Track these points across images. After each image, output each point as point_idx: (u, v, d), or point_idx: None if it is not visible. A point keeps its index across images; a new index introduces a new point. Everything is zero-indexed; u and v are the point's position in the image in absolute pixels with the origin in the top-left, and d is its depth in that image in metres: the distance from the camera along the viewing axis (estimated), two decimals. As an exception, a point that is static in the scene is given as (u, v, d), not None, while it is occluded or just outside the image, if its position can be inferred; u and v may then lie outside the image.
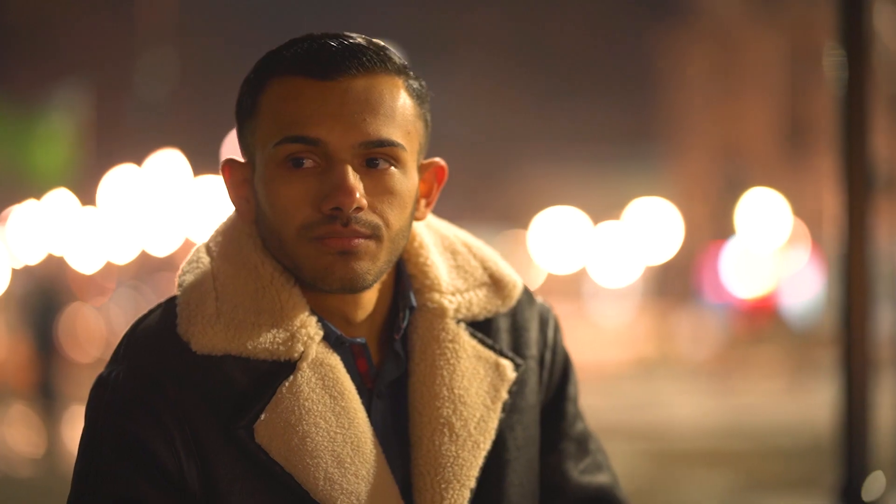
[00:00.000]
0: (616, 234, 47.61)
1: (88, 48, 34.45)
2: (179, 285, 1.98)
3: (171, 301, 1.99)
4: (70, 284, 23.40)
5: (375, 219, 1.92)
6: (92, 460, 1.91)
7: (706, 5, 55.02)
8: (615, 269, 47.92)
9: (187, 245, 33.25)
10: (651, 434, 14.70)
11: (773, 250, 39.17)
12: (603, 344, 31.99)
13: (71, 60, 34.00)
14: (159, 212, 27.19)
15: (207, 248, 2.04)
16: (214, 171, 34.97)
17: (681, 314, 40.67)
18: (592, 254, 48.27)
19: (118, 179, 27.95)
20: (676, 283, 48.27)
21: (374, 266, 1.94)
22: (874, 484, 3.99)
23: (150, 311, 2.01)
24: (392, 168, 1.94)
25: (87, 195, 28.61)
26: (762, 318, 38.00)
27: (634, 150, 56.14)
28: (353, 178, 1.90)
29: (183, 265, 2.02)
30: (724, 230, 43.31)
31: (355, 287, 1.94)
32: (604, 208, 48.09)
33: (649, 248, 46.39)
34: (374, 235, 1.92)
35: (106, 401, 1.92)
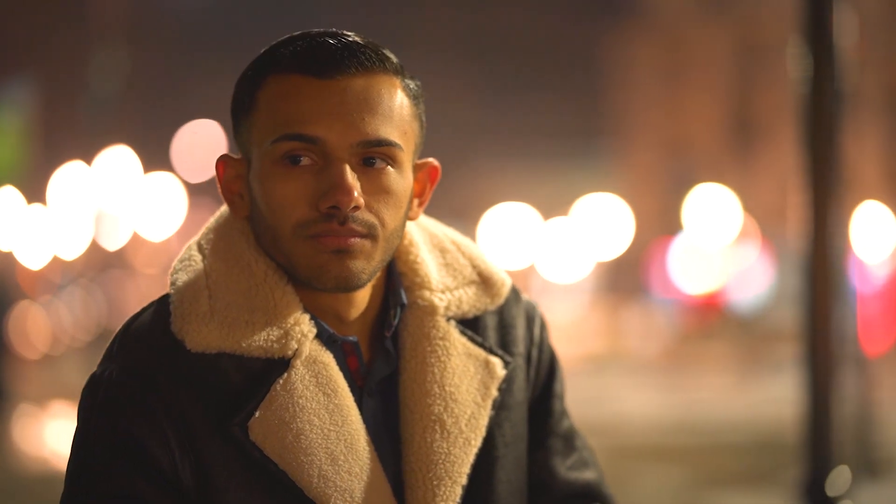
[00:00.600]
0: (566, 229, 47.74)
1: (37, 45, 34.22)
2: (172, 283, 1.98)
3: (164, 299, 1.98)
4: (19, 281, 23.24)
5: (371, 218, 1.93)
6: (86, 459, 1.91)
7: (654, 3, 55.28)
8: (565, 264, 48.05)
9: (136, 240, 33.10)
10: (602, 429, 14.73)
11: (723, 246, 39.39)
12: (553, 340, 32.00)
13: (19, 58, 33.76)
14: (108, 207, 27.05)
15: (199, 245, 2.03)
16: (165, 168, 34.83)
17: (631, 310, 40.83)
18: (542, 249, 48.37)
19: (67, 176, 27.79)
20: (627, 279, 48.48)
21: (369, 265, 1.94)
22: (839, 479, 4.02)
23: (143, 310, 2.01)
24: (389, 167, 1.95)
25: (35, 192, 28.44)
26: (711, 313, 38.22)
27: (584, 146, 56.34)
28: (352, 176, 1.91)
29: (175, 263, 2.02)
30: (673, 226, 43.55)
31: (350, 286, 1.94)
32: (554, 204, 48.20)
33: (600, 243, 46.56)
34: (370, 235, 1.93)
35: (99, 399, 1.91)
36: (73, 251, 30.07)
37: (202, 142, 38.56)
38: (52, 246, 29.71)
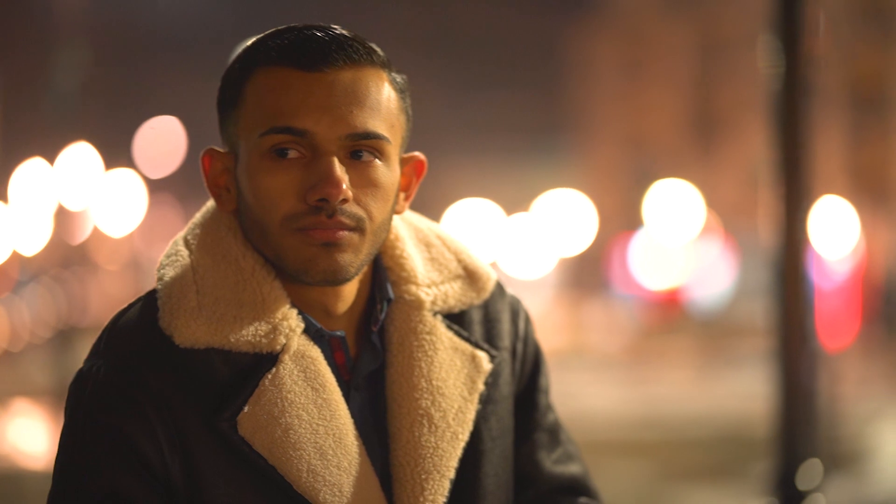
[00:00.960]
0: (528, 225, 47.78)
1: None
2: (159, 279, 1.97)
3: (152, 294, 1.98)
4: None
5: (359, 211, 1.93)
6: (73, 455, 1.90)
7: (616, -2, 55.38)
8: (527, 260, 48.08)
9: (98, 236, 32.92)
10: (566, 425, 14.77)
11: (685, 241, 39.51)
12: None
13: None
14: (69, 203, 26.90)
15: (185, 240, 2.02)
16: (127, 164, 34.67)
17: (593, 306, 40.91)
18: (505, 246, 48.39)
19: (28, 173, 27.63)
20: (589, 275, 48.58)
21: (357, 259, 1.94)
22: (810, 472, 4.04)
23: (130, 305, 2.00)
24: (376, 161, 1.95)
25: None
26: (673, 309, 38.34)
27: (546, 142, 56.41)
28: (340, 169, 1.90)
29: (161, 258, 2.01)
30: (635, 221, 43.66)
31: (337, 279, 1.94)
32: (516, 200, 48.24)
33: (562, 239, 46.62)
34: (358, 228, 1.93)
35: (87, 395, 1.91)
36: (33, 247, 29.89)
37: (162, 138, 38.43)
38: (12, 242, 29.53)
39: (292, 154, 1.91)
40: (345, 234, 1.91)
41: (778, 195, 3.94)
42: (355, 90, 1.92)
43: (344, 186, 1.89)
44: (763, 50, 4.10)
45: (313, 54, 1.91)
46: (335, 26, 1.98)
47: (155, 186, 38.65)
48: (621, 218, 48.88)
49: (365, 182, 1.93)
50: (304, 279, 1.94)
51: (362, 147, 1.93)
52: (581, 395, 18.26)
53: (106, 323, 1.99)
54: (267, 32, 1.99)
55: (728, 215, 42.38)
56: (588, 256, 48.81)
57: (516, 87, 57.77)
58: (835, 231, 24.65)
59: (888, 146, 43.53)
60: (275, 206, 1.91)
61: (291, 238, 1.91)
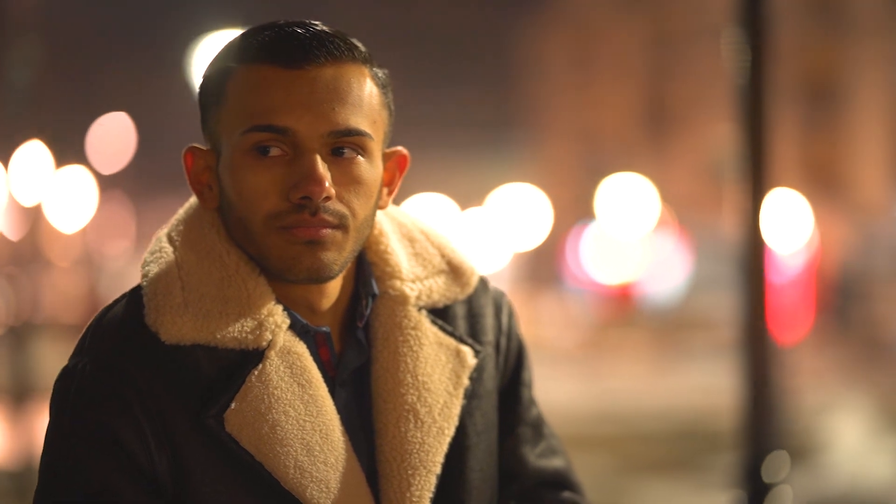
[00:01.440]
0: (483, 220, 47.82)
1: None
2: (144, 275, 1.96)
3: (136, 291, 1.97)
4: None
5: (342, 208, 1.92)
6: (59, 453, 1.89)
7: (568, -7, 55.50)
8: (482, 255, 48.12)
9: (49, 233, 32.69)
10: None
11: (638, 235, 39.64)
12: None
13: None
14: (21, 199, 26.70)
15: (169, 237, 2.01)
16: (80, 160, 34.45)
17: (548, 300, 41.00)
18: (459, 240, 48.35)
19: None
20: (545, 269, 48.67)
21: (341, 256, 1.94)
22: (776, 464, 4.05)
23: (115, 302, 1.99)
24: (359, 157, 1.94)
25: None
26: (626, 302, 38.45)
27: (500, 137, 56.40)
28: (323, 167, 1.90)
29: (145, 255, 2.00)
30: (590, 215, 43.75)
31: (321, 277, 1.94)
32: (470, 195, 48.28)
33: (517, 233, 46.69)
34: (341, 225, 1.92)
35: (73, 392, 1.90)
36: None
37: (112, 134, 38.24)
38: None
39: (274, 152, 1.90)
40: (328, 231, 1.91)
41: (743, 189, 3.96)
42: (337, 87, 1.92)
43: (327, 184, 1.89)
44: (727, 44, 4.11)
45: (294, 51, 1.91)
46: (316, 23, 1.98)
47: (106, 183, 38.44)
48: (576, 212, 48.99)
49: (347, 179, 1.93)
50: (287, 277, 1.94)
51: (344, 144, 1.93)
52: (537, 389, 18.28)
53: (90, 319, 1.98)
54: (248, 29, 1.98)
55: (682, 209, 42.55)
56: (543, 251, 48.91)
57: (469, 83, 57.79)
58: (789, 225, 24.80)
59: (840, 140, 43.85)
60: (258, 205, 1.90)
61: (275, 236, 1.91)
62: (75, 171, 33.40)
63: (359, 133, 1.92)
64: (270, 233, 1.91)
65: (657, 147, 50.86)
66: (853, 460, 11.70)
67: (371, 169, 1.96)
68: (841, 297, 30.72)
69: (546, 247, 48.31)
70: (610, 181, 41.29)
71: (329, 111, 1.90)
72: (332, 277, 1.95)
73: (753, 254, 3.97)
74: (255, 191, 1.90)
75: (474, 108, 56.93)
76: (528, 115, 57.84)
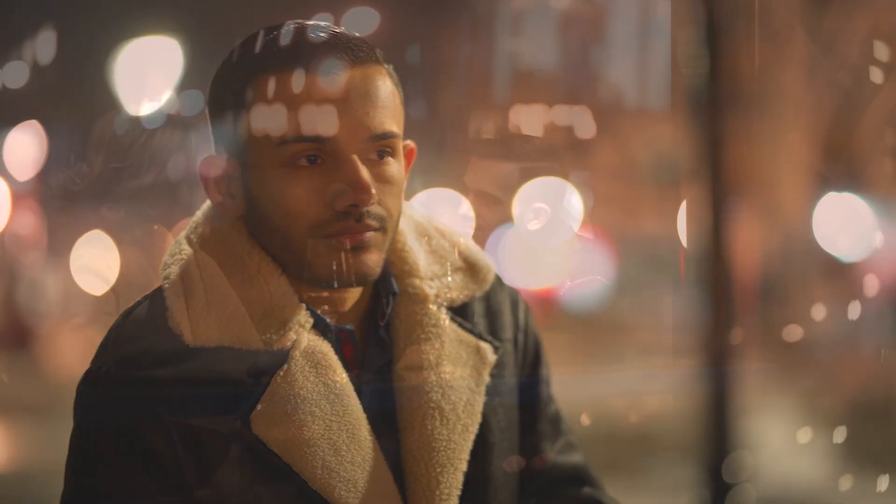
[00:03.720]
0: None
1: None
2: (165, 277, 1.94)
3: (158, 293, 1.94)
4: None
5: (382, 210, 1.92)
6: (85, 456, 1.87)
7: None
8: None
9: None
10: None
11: (561, 238, 39.67)
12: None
13: None
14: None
15: (188, 239, 1.99)
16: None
17: (468, 305, 40.83)
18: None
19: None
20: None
21: (381, 257, 1.94)
22: (737, 463, 4.09)
23: (137, 304, 1.96)
24: (389, 158, 1.94)
25: None
26: (548, 306, 38.47)
27: (422, 141, 56.39)
28: (366, 173, 1.89)
29: (165, 257, 1.98)
30: (510, 220, 43.69)
31: (366, 281, 1.94)
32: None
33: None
34: (382, 227, 1.92)
35: (98, 395, 1.88)
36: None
37: (24, 143, 37.63)
38: None
39: (313, 161, 1.89)
40: (371, 234, 1.90)
41: (703, 196, 3.99)
42: (367, 91, 1.90)
43: (373, 191, 1.88)
44: (684, 51, 4.13)
45: (321, 57, 1.89)
46: (329, 24, 1.95)
47: (20, 191, 37.86)
48: (497, 217, 48.98)
49: (384, 181, 1.92)
50: (331, 284, 1.93)
51: (381, 147, 1.92)
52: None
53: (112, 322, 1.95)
54: (262, 34, 1.95)
55: (605, 212, 42.63)
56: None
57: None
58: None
59: (755, 143, 44.21)
60: (300, 215, 1.89)
61: (319, 245, 1.89)
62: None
63: (393, 135, 1.92)
64: (315, 242, 1.89)
65: (581, 150, 51.00)
66: (780, 461, 11.78)
67: (399, 168, 1.96)
68: (762, 300, 30.92)
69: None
70: (533, 184, 41.34)
71: (364, 116, 1.89)
72: (374, 280, 1.94)
73: (714, 258, 4.00)
74: (296, 202, 1.88)
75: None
76: (450, 118, 57.76)
